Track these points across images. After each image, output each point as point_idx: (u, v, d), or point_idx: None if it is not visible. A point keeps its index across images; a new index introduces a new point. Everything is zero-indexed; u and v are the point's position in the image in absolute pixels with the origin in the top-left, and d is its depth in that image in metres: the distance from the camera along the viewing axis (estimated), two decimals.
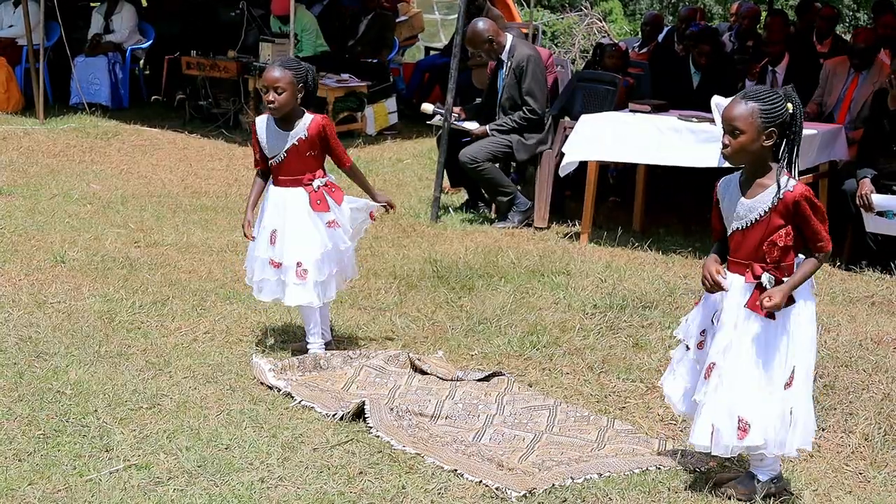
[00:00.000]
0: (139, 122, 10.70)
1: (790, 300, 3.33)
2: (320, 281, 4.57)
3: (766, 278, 3.34)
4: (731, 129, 3.34)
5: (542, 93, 7.35)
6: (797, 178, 3.39)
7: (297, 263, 4.51)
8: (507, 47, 7.35)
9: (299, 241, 4.51)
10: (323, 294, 4.61)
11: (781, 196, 3.30)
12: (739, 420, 3.34)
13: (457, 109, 7.46)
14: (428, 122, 7.94)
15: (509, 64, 7.30)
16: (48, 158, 8.97)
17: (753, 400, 3.35)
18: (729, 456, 3.49)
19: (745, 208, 3.38)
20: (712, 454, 3.49)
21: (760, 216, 3.35)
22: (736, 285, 3.42)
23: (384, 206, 4.84)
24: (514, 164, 7.72)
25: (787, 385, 3.36)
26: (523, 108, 7.26)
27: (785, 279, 3.34)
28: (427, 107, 7.74)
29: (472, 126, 7.41)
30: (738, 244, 3.43)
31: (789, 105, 3.31)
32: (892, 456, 3.92)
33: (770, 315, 3.33)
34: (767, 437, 3.35)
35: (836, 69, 7.52)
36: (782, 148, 3.35)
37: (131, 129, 10.38)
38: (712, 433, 3.38)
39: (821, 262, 3.39)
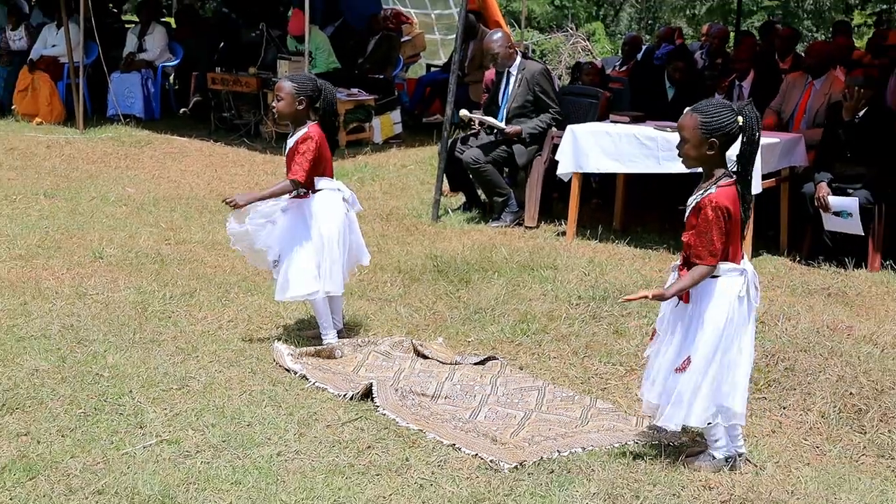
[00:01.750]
0: (169, 131, 10.69)
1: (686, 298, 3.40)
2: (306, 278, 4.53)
3: (673, 266, 3.49)
4: (680, 137, 3.40)
5: (559, 100, 7.48)
6: (757, 187, 3.42)
7: (285, 261, 4.53)
8: (518, 60, 7.39)
9: (286, 242, 4.53)
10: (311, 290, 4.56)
11: (699, 199, 3.33)
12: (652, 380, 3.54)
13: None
14: (468, 125, 7.54)
15: (520, 76, 7.33)
16: (87, 165, 8.98)
17: (660, 367, 3.49)
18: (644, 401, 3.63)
19: (687, 205, 3.43)
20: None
21: (688, 215, 3.39)
22: (672, 268, 3.55)
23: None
24: (506, 169, 7.72)
25: (679, 369, 3.40)
26: (549, 111, 7.31)
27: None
28: (465, 113, 7.50)
29: (506, 126, 7.35)
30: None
31: (739, 118, 3.30)
32: (846, 432, 3.93)
33: (681, 297, 3.41)
34: (658, 404, 3.49)
35: (795, 82, 7.54)
36: (738, 157, 3.37)
37: (162, 139, 10.38)
38: (650, 387, 3.56)
39: (701, 273, 3.29)
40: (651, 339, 3.64)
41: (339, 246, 4.57)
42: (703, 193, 3.32)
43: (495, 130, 7.35)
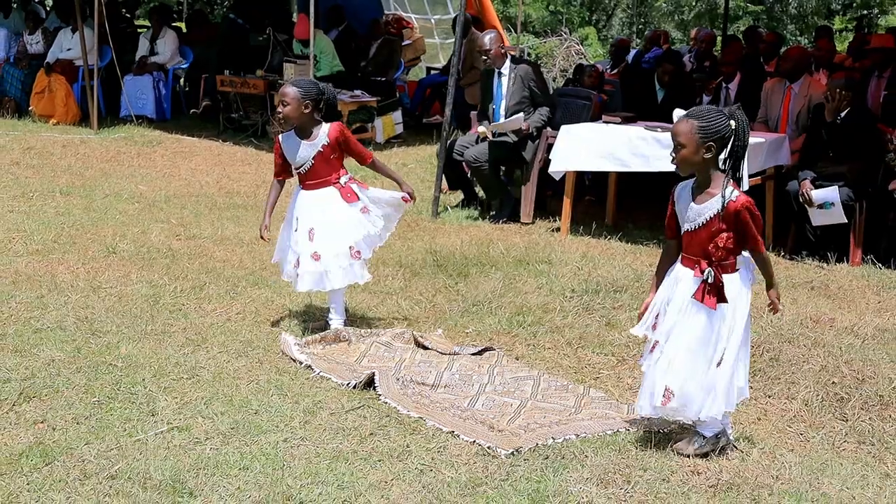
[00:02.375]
0: (180, 131, 10.68)
1: (722, 297, 3.38)
2: (367, 259, 4.61)
3: (707, 273, 3.39)
4: (675, 143, 3.39)
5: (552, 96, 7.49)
6: (745, 185, 3.43)
7: (350, 247, 4.52)
8: (508, 62, 7.38)
9: (343, 231, 4.52)
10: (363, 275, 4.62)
11: (726, 205, 3.32)
12: (666, 389, 3.43)
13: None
14: (491, 136, 7.34)
15: (513, 75, 7.31)
16: (101, 163, 8.96)
17: (683, 375, 3.41)
18: (651, 416, 3.58)
19: (695, 212, 3.41)
20: (645, 415, 3.58)
21: (707, 220, 3.37)
22: (686, 278, 3.46)
23: (408, 195, 4.76)
24: (503, 168, 7.71)
25: (718, 364, 3.39)
26: (545, 106, 7.29)
27: (727, 276, 3.38)
28: (482, 129, 7.40)
29: (520, 124, 7.26)
30: (688, 243, 3.47)
31: (732, 122, 3.32)
32: (828, 419, 3.93)
33: (721, 299, 3.37)
34: (688, 405, 3.43)
35: (774, 88, 7.52)
36: (728, 159, 3.36)
37: (173, 138, 10.36)
38: (651, 399, 3.48)
39: (769, 258, 3.52)
40: (652, 350, 3.53)
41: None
42: (724, 199, 3.32)
43: (496, 134, 7.29)
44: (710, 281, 3.37)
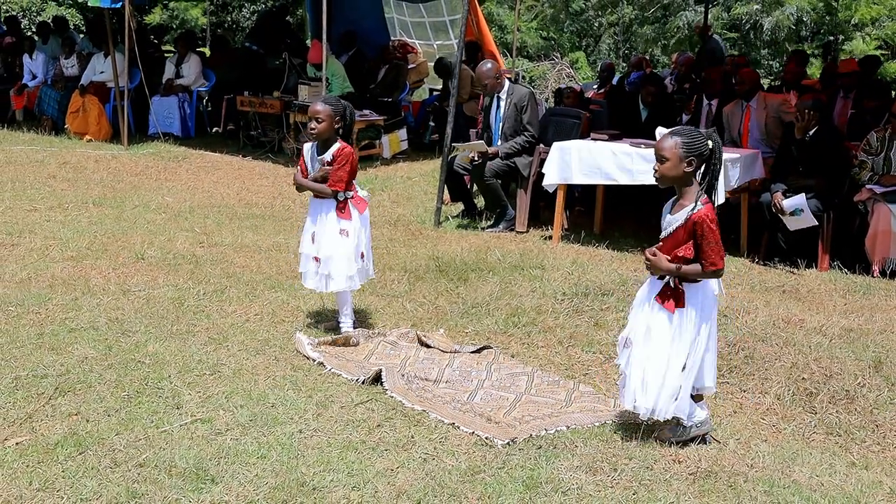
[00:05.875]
0: (203, 148, 10.69)
1: (680, 300, 3.36)
2: (350, 272, 4.54)
3: (668, 278, 3.40)
4: (659, 156, 3.39)
5: (538, 123, 7.43)
6: (721, 198, 3.43)
7: (331, 257, 4.50)
8: (506, 87, 7.37)
9: (331, 241, 4.51)
10: (354, 283, 4.59)
11: (689, 216, 3.32)
12: (644, 384, 3.43)
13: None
14: (469, 156, 7.36)
15: (509, 100, 7.30)
16: (131, 177, 8.97)
17: (651, 373, 3.41)
18: (632, 409, 3.53)
19: (667, 222, 3.43)
20: (631, 410, 3.53)
21: (674, 230, 3.37)
22: (650, 281, 3.49)
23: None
24: (499, 181, 7.70)
25: (683, 368, 3.39)
26: (524, 133, 7.26)
27: (690, 284, 3.37)
28: (463, 154, 7.43)
29: (485, 148, 7.29)
30: (661, 250, 3.44)
31: (709, 142, 3.34)
32: (799, 412, 3.93)
33: (680, 304, 3.36)
34: (653, 405, 3.41)
35: (733, 109, 7.54)
36: (705, 175, 3.37)
37: (197, 154, 10.37)
38: (632, 395, 3.47)
39: (705, 272, 3.33)
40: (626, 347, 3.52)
41: (368, 238, 4.65)
42: (691, 210, 3.32)
43: (474, 154, 7.31)
44: (671, 286, 3.39)
